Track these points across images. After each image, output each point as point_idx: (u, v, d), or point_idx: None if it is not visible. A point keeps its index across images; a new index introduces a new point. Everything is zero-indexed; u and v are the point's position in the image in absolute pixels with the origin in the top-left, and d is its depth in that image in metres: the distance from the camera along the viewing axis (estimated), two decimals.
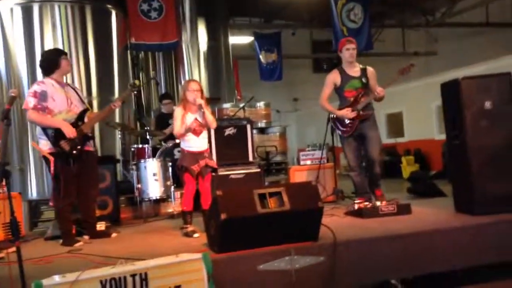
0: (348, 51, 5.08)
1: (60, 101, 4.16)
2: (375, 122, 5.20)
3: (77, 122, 4.23)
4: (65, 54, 4.40)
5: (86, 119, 4.31)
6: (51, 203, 4.16)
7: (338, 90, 5.17)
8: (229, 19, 10.66)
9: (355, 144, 5.11)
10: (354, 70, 5.14)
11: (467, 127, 4.15)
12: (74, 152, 4.12)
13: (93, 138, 4.41)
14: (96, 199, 4.58)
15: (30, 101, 4.06)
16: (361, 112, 5.02)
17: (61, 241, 4.23)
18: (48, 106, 4.10)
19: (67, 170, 4.10)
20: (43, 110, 4.08)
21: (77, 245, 4.08)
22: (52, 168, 4.05)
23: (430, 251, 3.59)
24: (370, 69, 5.19)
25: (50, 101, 4.11)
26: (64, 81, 4.42)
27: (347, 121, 5.06)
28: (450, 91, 4.36)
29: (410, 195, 5.88)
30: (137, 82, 4.62)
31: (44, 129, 4.12)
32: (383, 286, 3.51)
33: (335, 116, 5.20)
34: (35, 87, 4.14)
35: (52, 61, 4.25)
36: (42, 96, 4.08)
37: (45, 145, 4.13)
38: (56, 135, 4.07)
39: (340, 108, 5.15)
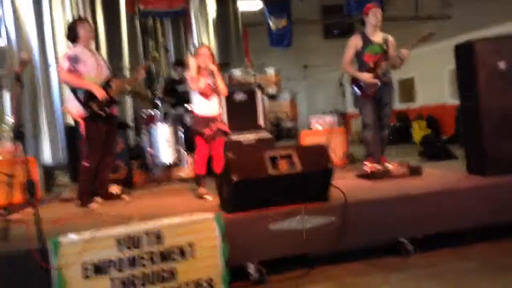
0: (375, 15, 5.07)
1: (90, 65, 4.32)
2: (393, 89, 5.24)
3: (105, 86, 4.36)
4: (82, 21, 4.49)
5: (112, 85, 4.45)
6: (84, 164, 4.30)
7: (358, 54, 5.16)
8: None
9: (373, 106, 5.12)
10: (376, 36, 5.14)
11: (481, 89, 4.10)
12: (103, 114, 4.28)
13: (120, 102, 4.55)
14: (111, 164, 4.67)
15: (64, 64, 4.24)
16: (382, 77, 5.03)
17: (76, 202, 4.36)
18: (79, 69, 4.25)
19: (97, 132, 4.28)
20: (75, 73, 4.24)
21: (91, 205, 4.21)
22: (83, 131, 4.25)
23: (440, 211, 3.61)
24: (391, 39, 5.20)
25: (81, 65, 4.27)
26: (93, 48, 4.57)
27: (368, 86, 5.04)
28: (464, 53, 4.29)
29: (421, 158, 5.88)
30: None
31: (75, 93, 4.26)
32: (392, 245, 3.54)
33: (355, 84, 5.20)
34: (68, 52, 4.34)
35: (71, 31, 4.41)
36: (74, 60, 4.25)
37: (75, 109, 4.29)
38: (87, 97, 4.24)
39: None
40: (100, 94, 4.25)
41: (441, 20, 15.57)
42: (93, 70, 4.33)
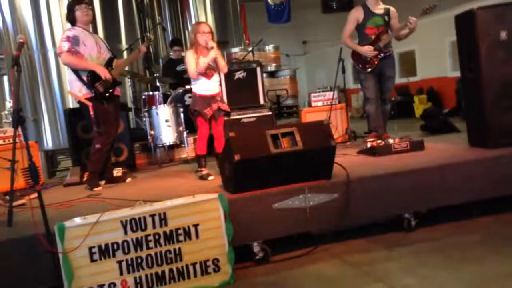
0: None
1: (90, 46, 4.28)
2: (394, 62, 5.20)
3: (107, 67, 4.33)
4: (80, 3, 4.35)
5: (113, 65, 4.42)
6: (97, 146, 4.31)
7: (359, 27, 5.11)
8: None
9: (374, 79, 5.10)
10: (378, 8, 5.09)
11: (482, 59, 4.06)
12: (107, 94, 4.28)
13: (120, 83, 4.52)
14: (113, 145, 4.67)
15: (64, 45, 4.18)
16: (383, 49, 4.99)
17: (83, 185, 4.40)
18: (80, 50, 4.22)
19: (105, 111, 4.27)
20: (75, 54, 4.20)
21: (96, 189, 4.23)
22: (92, 113, 4.23)
23: (443, 185, 3.61)
24: (392, 9, 5.14)
25: (81, 46, 4.23)
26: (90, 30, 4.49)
27: (368, 58, 5.02)
28: (465, 22, 4.23)
29: (423, 132, 5.86)
30: (151, 37, 4.85)
31: (78, 75, 4.23)
32: (396, 220, 3.56)
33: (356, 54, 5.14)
34: (68, 33, 4.26)
35: (69, 15, 4.35)
36: (74, 41, 4.20)
37: (79, 91, 4.26)
38: (91, 78, 4.21)
39: (360, 46, 5.09)
40: (104, 74, 4.22)
41: None
42: (94, 51, 4.29)
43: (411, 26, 4.83)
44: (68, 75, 4.34)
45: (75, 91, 4.28)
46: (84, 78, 4.21)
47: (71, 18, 4.32)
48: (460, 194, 3.63)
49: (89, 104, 4.22)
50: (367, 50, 4.99)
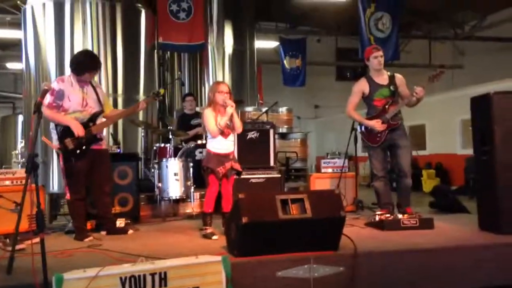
0: (376, 59, 4.96)
1: (75, 101, 4.28)
2: (405, 132, 5.05)
3: (88, 123, 4.31)
4: (95, 70, 4.42)
5: (98, 121, 4.40)
6: (66, 197, 4.34)
7: (367, 100, 5.05)
8: (255, 23, 10.65)
9: (383, 154, 4.98)
10: (383, 78, 5.01)
11: (497, 143, 4.07)
12: (78, 151, 4.21)
13: (101, 139, 4.47)
14: (110, 195, 4.60)
15: (46, 99, 4.15)
16: (390, 122, 4.90)
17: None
18: (63, 105, 4.25)
19: (73, 168, 4.22)
20: (57, 108, 4.23)
21: (87, 240, 4.16)
22: (61, 163, 4.25)
23: (451, 268, 3.52)
24: (398, 76, 5.06)
25: (65, 100, 4.25)
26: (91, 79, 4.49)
27: (376, 131, 4.93)
28: (481, 105, 4.28)
29: (432, 209, 5.78)
30: (162, 91, 4.79)
31: (56, 126, 4.25)
32: None
33: (363, 126, 5.09)
34: (54, 85, 4.29)
35: (78, 65, 4.33)
36: (58, 95, 4.23)
37: (56, 140, 4.27)
38: (63, 132, 4.20)
39: (369, 118, 5.02)
40: (77, 131, 4.16)
41: (453, 69, 15.70)
42: (77, 106, 4.28)
43: (418, 96, 4.77)
44: (51, 123, 4.34)
45: (53, 140, 4.29)
46: (58, 131, 4.22)
47: (79, 69, 4.30)
48: (468, 279, 3.52)
49: (61, 154, 4.22)
50: (375, 124, 4.90)
